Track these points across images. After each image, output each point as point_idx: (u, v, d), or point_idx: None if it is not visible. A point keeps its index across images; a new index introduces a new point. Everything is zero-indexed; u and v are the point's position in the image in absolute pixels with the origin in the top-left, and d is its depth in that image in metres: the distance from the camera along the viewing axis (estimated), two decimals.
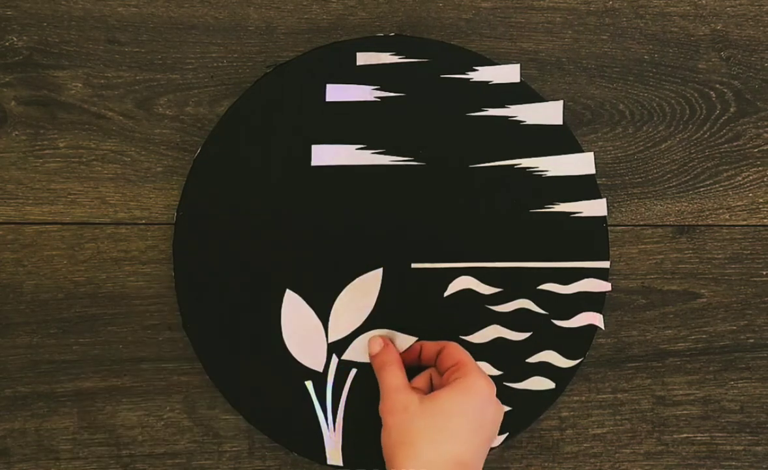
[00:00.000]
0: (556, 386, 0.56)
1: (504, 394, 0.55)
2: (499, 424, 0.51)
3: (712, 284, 0.58)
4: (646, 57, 0.59)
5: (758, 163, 0.59)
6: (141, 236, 0.57)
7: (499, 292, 0.56)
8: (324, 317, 0.56)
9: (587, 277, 0.56)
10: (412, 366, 0.54)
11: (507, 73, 0.58)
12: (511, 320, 0.56)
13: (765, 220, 0.59)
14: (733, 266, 0.58)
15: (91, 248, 0.57)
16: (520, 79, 0.58)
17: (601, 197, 0.57)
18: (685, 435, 0.57)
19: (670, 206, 0.58)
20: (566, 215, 0.57)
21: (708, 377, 0.58)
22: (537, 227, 0.57)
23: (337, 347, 0.56)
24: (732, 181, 0.59)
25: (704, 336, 0.58)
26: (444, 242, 0.56)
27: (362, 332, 0.56)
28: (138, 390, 0.56)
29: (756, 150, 0.59)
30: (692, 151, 0.59)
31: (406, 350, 0.55)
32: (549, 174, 0.57)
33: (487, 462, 0.56)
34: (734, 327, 0.58)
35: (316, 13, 0.59)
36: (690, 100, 0.59)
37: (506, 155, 0.57)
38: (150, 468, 0.56)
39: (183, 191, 0.56)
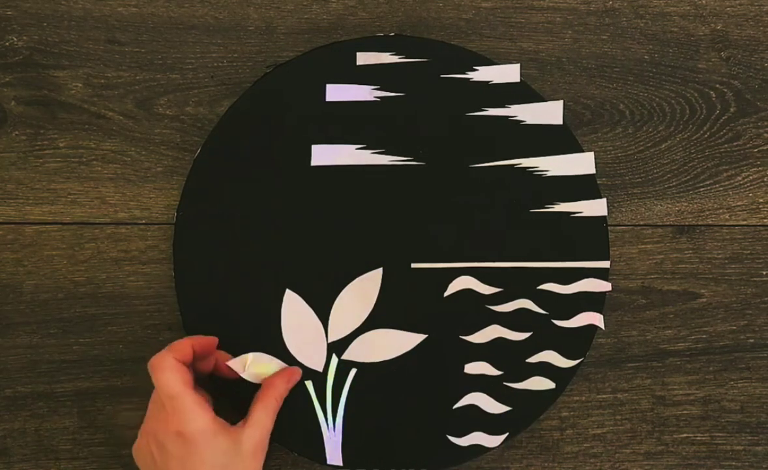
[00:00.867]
0: (556, 386, 0.56)
1: (504, 394, 0.55)
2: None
3: (712, 284, 0.58)
4: (646, 57, 0.59)
5: (758, 163, 0.59)
6: (141, 236, 0.57)
7: (499, 292, 0.56)
8: (324, 317, 0.56)
9: (587, 277, 0.56)
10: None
11: (507, 73, 0.58)
12: (511, 320, 0.56)
13: (765, 220, 0.59)
14: (733, 266, 0.58)
15: (91, 248, 0.57)
16: (520, 79, 0.58)
17: (601, 197, 0.57)
18: (685, 435, 0.57)
19: (670, 206, 0.58)
20: (566, 215, 0.57)
21: (708, 377, 0.58)
22: (537, 227, 0.57)
23: (337, 347, 0.56)
24: (732, 181, 0.59)
25: (704, 336, 0.58)
26: (444, 242, 0.57)
27: (362, 333, 0.56)
28: (138, 390, 0.56)
29: (756, 150, 0.59)
30: (692, 151, 0.59)
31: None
32: (549, 174, 0.57)
33: (487, 461, 0.56)
34: (734, 327, 0.58)
35: (316, 13, 0.59)
36: (690, 100, 0.59)
37: (506, 155, 0.57)
38: None
39: (183, 191, 0.56)
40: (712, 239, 0.58)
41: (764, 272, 0.58)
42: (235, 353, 0.54)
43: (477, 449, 0.55)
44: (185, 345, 0.50)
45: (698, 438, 0.57)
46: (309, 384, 0.55)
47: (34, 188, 0.57)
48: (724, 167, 0.59)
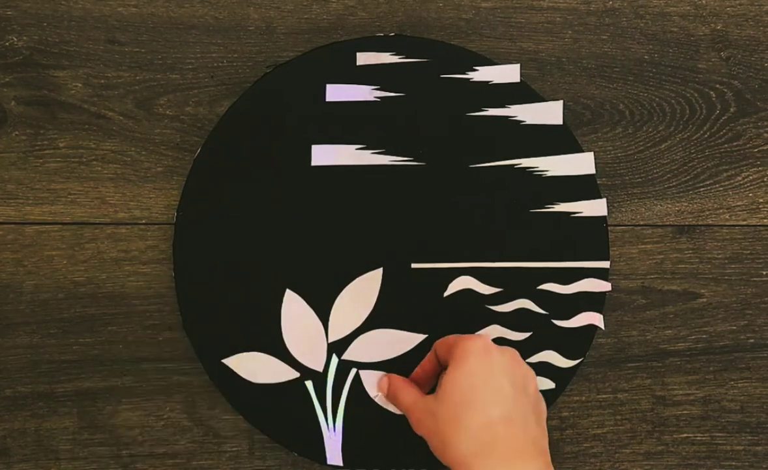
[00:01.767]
0: (556, 386, 0.56)
1: None
2: (521, 369, 0.49)
3: (712, 284, 0.58)
4: (646, 57, 0.59)
5: (758, 163, 0.59)
6: (141, 236, 0.57)
7: (499, 292, 0.56)
8: (324, 317, 0.56)
9: (587, 277, 0.56)
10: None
11: (507, 73, 0.58)
12: (511, 320, 0.56)
13: (765, 220, 0.59)
14: (733, 266, 0.58)
15: (91, 248, 0.57)
16: (520, 79, 0.58)
17: (601, 197, 0.57)
18: (685, 435, 0.57)
19: (670, 206, 0.58)
20: (566, 215, 0.57)
21: (708, 377, 0.58)
22: (537, 227, 0.57)
23: (337, 347, 0.56)
24: (732, 181, 0.59)
25: (704, 336, 0.58)
26: (444, 242, 0.56)
27: (362, 333, 0.56)
28: (138, 390, 0.56)
29: (756, 150, 0.59)
30: (692, 151, 0.59)
31: (414, 376, 0.55)
32: (549, 174, 0.57)
33: None
34: (734, 327, 0.58)
35: (316, 13, 0.59)
36: (690, 100, 0.59)
37: (506, 155, 0.57)
38: (150, 468, 0.56)
39: (183, 191, 0.56)
40: (712, 239, 0.58)
41: (764, 272, 0.58)
42: (235, 352, 0.55)
43: None
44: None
45: (698, 438, 0.57)
46: (309, 384, 0.55)
47: (34, 188, 0.57)
48: (724, 167, 0.59)
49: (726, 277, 0.58)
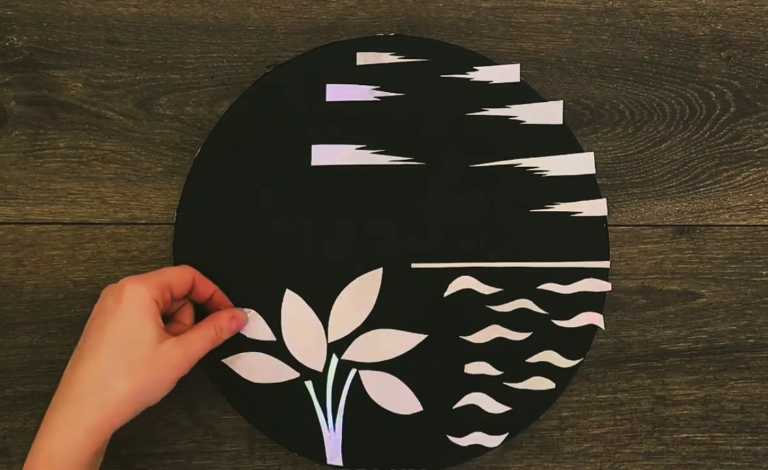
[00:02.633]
0: (556, 386, 0.56)
1: (504, 394, 0.55)
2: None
3: (712, 284, 0.58)
4: (646, 57, 0.59)
5: (758, 163, 0.59)
6: (141, 236, 0.57)
7: (499, 292, 0.56)
8: (324, 317, 0.56)
9: (587, 277, 0.56)
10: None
11: (507, 73, 0.58)
12: (511, 320, 0.56)
13: (765, 220, 0.59)
14: (733, 266, 0.58)
15: (91, 248, 0.57)
16: (520, 79, 0.58)
17: (601, 197, 0.57)
18: (685, 435, 0.57)
19: (670, 206, 0.58)
20: (566, 215, 0.57)
21: (708, 377, 0.58)
22: (537, 227, 0.57)
23: (337, 347, 0.56)
24: (732, 181, 0.59)
25: (704, 336, 0.58)
26: (444, 242, 0.56)
27: (362, 333, 0.56)
28: None
29: (756, 150, 0.59)
30: (692, 151, 0.59)
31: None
32: (549, 174, 0.57)
33: (487, 461, 0.56)
34: (734, 327, 0.58)
35: (316, 13, 0.59)
36: (690, 100, 0.59)
37: (506, 155, 0.57)
38: (150, 468, 0.56)
39: (183, 191, 0.56)
40: (712, 239, 0.58)
41: (764, 272, 0.58)
42: (235, 352, 0.55)
43: (477, 449, 0.55)
44: (183, 280, 0.51)
45: (698, 438, 0.57)
46: (309, 384, 0.55)
47: (34, 188, 0.57)
48: (724, 167, 0.59)
49: (726, 277, 0.58)
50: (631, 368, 0.57)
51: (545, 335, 0.56)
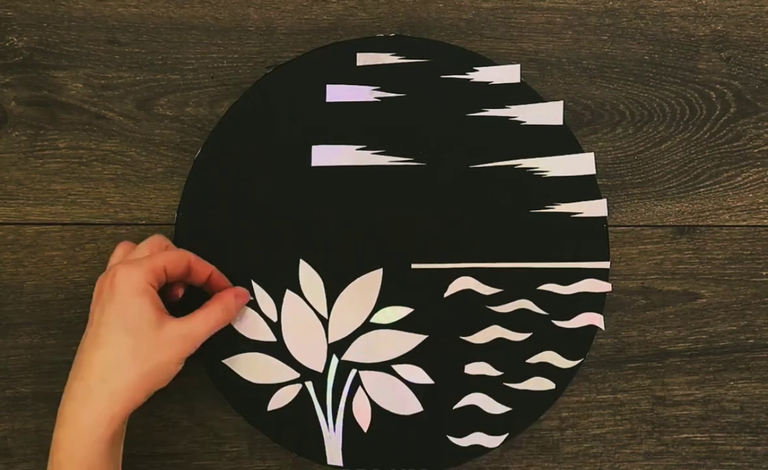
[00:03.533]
0: (556, 386, 0.56)
1: (504, 394, 0.56)
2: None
3: (712, 284, 0.58)
4: (646, 57, 0.59)
5: (758, 163, 0.59)
6: (141, 236, 0.57)
7: (499, 292, 0.56)
8: (324, 317, 0.56)
9: (587, 277, 0.56)
10: None
11: (507, 74, 0.58)
12: (511, 321, 0.56)
13: (765, 220, 0.59)
14: (733, 266, 0.58)
15: (91, 248, 0.57)
16: (521, 80, 0.58)
17: (601, 198, 0.57)
18: (685, 435, 0.57)
19: (670, 206, 0.58)
20: (566, 215, 0.57)
21: (708, 377, 0.58)
22: (537, 227, 0.57)
23: (337, 347, 0.56)
24: (732, 181, 0.59)
25: (704, 336, 0.58)
26: (444, 242, 0.57)
27: (362, 333, 0.56)
28: None
29: (756, 150, 0.59)
30: (692, 151, 0.59)
31: None
32: (549, 174, 0.57)
33: (487, 461, 0.56)
34: (734, 327, 0.58)
35: (316, 14, 0.59)
36: (690, 101, 0.59)
37: (506, 155, 0.57)
38: (150, 468, 0.56)
39: (183, 191, 0.56)
40: (712, 239, 0.58)
41: (764, 273, 0.58)
42: (236, 352, 0.55)
43: (477, 449, 0.55)
44: (177, 262, 0.51)
45: (698, 438, 0.57)
46: (309, 385, 0.55)
47: (34, 189, 0.57)
48: (724, 167, 0.59)
49: (726, 277, 0.58)
50: (631, 368, 0.57)
51: (545, 336, 0.56)
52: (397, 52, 0.58)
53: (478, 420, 0.55)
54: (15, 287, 0.56)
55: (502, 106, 0.57)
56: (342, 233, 0.56)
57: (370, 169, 0.57)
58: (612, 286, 0.57)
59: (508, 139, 0.57)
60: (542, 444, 0.57)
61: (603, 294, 0.57)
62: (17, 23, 0.58)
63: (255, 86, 0.57)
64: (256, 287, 0.56)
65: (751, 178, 0.59)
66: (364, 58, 0.57)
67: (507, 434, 0.55)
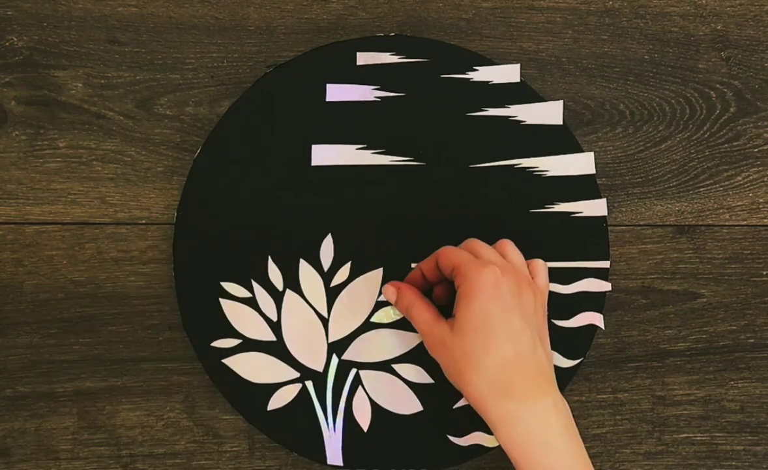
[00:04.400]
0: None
1: None
2: (527, 293, 0.50)
3: (712, 284, 0.58)
4: (646, 57, 0.59)
5: (758, 163, 0.59)
6: (141, 236, 0.57)
7: None
8: (324, 317, 0.56)
9: (587, 277, 0.56)
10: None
11: (507, 73, 0.58)
12: None
13: (765, 220, 0.59)
14: (733, 266, 0.58)
15: (91, 248, 0.57)
16: (520, 79, 0.58)
17: (601, 197, 0.57)
18: (685, 435, 0.57)
19: (670, 206, 0.58)
20: (566, 215, 0.57)
21: (708, 377, 0.58)
22: (537, 227, 0.57)
23: (337, 347, 0.56)
24: (732, 181, 0.59)
25: (704, 336, 0.58)
26: (444, 242, 0.56)
27: (362, 333, 0.56)
28: (138, 390, 0.56)
29: (756, 150, 0.59)
30: (692, 151, 0.59)
31: (411, 277, 0.55)
32: (549, 174, 0.57)
33: (487, 461, 0.56)
34: (734, 327, 0.58)
35: (316, 13, 0.59)
36: (690, 100, 0.59)
37: (506, 155, 0.57)
38: (150, 468, 0.56)
39: (183, 191, 0.56)
40: (712, 239, 0.58)
41: (764, 272, 0.58)
42: (235, 352, 0.55)
43: (477, 449, 0.55)
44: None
45: (698, 438, 0.57)
46: (309, 384, 0.55)
47: (34, 188, 0.57)
48: (724, 167, 0.59)
49: (726, 277, 0.58)
50: (631, 368, 0.57)
51: None
52: (397, 52, 0.58)
53: (478, 419, 0.55)
54: (15, 286, 0.56)
55: (502, 106, 0.57)
56: (342, 233, 0.56)
57: (370, 169, 0.57)
58: (612, 285, 0.57)
59: (507, 138, 0.57)
60: None
61: (603, 294, 0.57)
62: (17, 23, 0.58)
63: (255, 86, 0.57)
64: (256, 287, 0.56)
65: (751, 177, 0.59)
66: (364, 58, 0.57)
67: None
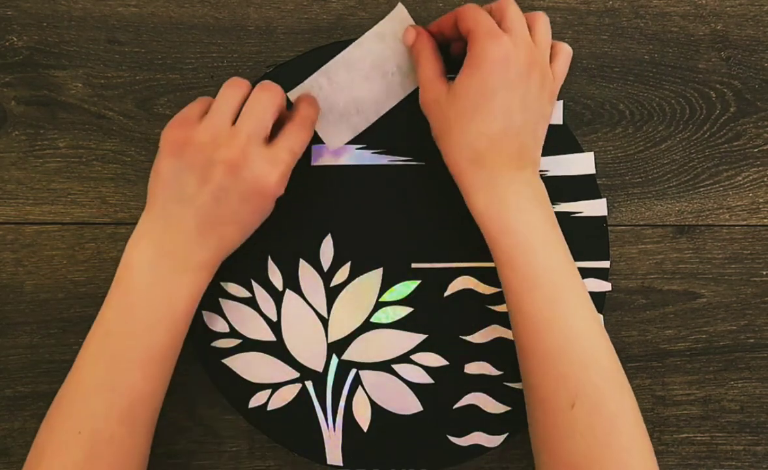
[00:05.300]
0: None
1: (504, 394, 0.55)
2: (541, 76, 0.49)
3: (712, 284, 0.58)
4: (646, 57, 0.59)
5: (758, 163, 0.59)
6: None
7: (499, 292, 0.56)
8: (324, 317, 0.56)
9: (587, 277, 0.56)
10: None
11: None
12: None
13: (765, 220, 0.59)
14: (733, 266, 0.58)
15: (91, 248, 0.57)
16: None
17: (601, 197, 0.57)
18: (685, 435, 0.57)
19: (670, 206, 0.58)
20: (566, 215, 0.57)
21: (708, 377, 0.58)
22: None
23: (337, 347, 0.56)
24: (732, 181, 0.59)
25: (704, 336, 0.58)
26: (444, 242, 0.56)
27: (362, 333, 0.56)
28: None
29: (756, 150, 0.59)
30: (692, 151, 0.59)
31: (436, 26, 0.54)
32: (549, 174, 0.57)
33: (487, 461, 0.56)
34: (734, 327, 0.58)
35: (316, 13, 0.59)
36: (690, 100, 0.59)
37: None
38: (150, 468, 0.56)
39: None
40: (712, 239, 0.58)
41: (764, 272, 0.58)
42: (236, 352, 0.55)
43: (477, 449, 0.55)
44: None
45: (698, 438, 0.57)
46: (309, 384, 0.55)
47: (34, 188, 0.57)
48: (724, 167, 0.59)
49: (726, 277, 0.58)
50: (631, 368, 0.57)
51: None
52: None
53: (478, 419, 0.55)
54: (15, 286, 0.56)
55: None
56: (342, 233, 0.56)
57: (370, 168, 0.57)
58: (612, 285, 0.57)
59: None
60: None
61: (603, 294, 0.57)
62: (17, 23, 0.58)
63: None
64: (256, 287, 0.56)
65: (751, 177, 0.59)
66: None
67: (507, 434, 0.55)
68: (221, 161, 0.48)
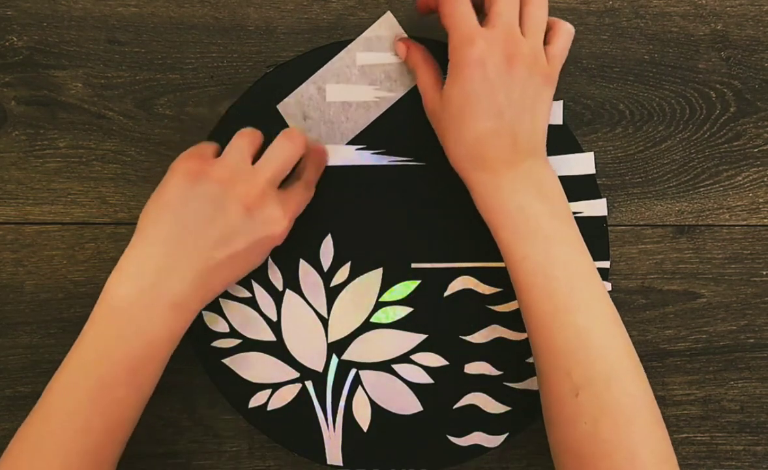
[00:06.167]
0: None
1: (504, 394, 0.56)
2: (525, 66, 0.49)
3: (712, 284, 0.58)
4: (646, 57, 0.59)
5: (758, 163, 0.59)
6: None
7: (499, 292, 0.56)
8: (324, 317, 0.56)
9: None
10: None
11: None
12: (511, 320, 0.56)
13: (765, 220, 0.59)
14: (733, 266, 0.58)
15: (91, 248, 0.57)
16: None
17: (601, 197, 0.57)
18: (685, 435, 0.57)
19: (670, 206, 0.58)
20: None
21: (708, 377, 0.58)
22: None
23: (337, 347, 0.56)
24: (732, 181, 0.59)
25: (704, 336, 0.58)
26: (444, 242, 0.56)
27: (362, 333, 0.56)
28: None
29: (756, 150, 0.59)
30: (692, 151, 0.59)
31: (420, 12, 0.55)
32: None
33: (487, 461, 0.56)
34: (734, 327, 0.58)
35: (316, 13, 0.59)
36: (690, 100, 0.59)
37: None
38: (150, 468, 0.56)
39: None
40: (712, 239, 0.58)
41: (764, 272, 0.58)
42: (236, 352, 0.55)
43: (477, 449, 0.55)
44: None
45: (698, 438, 0.57)
46: (309, 384, 0.55)
47: (34, 188, 0.57)
48: (724, 167, 0.59)
49: (726, 277, 0.58)
50: None
51: None
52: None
53: (478, 419, 0.55)
54: (15, 286, 0.56)
55: None
56: (342, 233, 0.56)
57: (370, 169, 0.57)
58: (612, 285, 0.57)
59: None
60: (542, 443, 0.57)
61: None
62: (17, 23, 0.58)
63: (255, 86, 0.57)
64: (256, 287, 0.56)
65: (751, 177, 0.59)
66: (364, 58, 0.57)
67: (507, 434, 0.55)
68: (238, 197, 0.48)
